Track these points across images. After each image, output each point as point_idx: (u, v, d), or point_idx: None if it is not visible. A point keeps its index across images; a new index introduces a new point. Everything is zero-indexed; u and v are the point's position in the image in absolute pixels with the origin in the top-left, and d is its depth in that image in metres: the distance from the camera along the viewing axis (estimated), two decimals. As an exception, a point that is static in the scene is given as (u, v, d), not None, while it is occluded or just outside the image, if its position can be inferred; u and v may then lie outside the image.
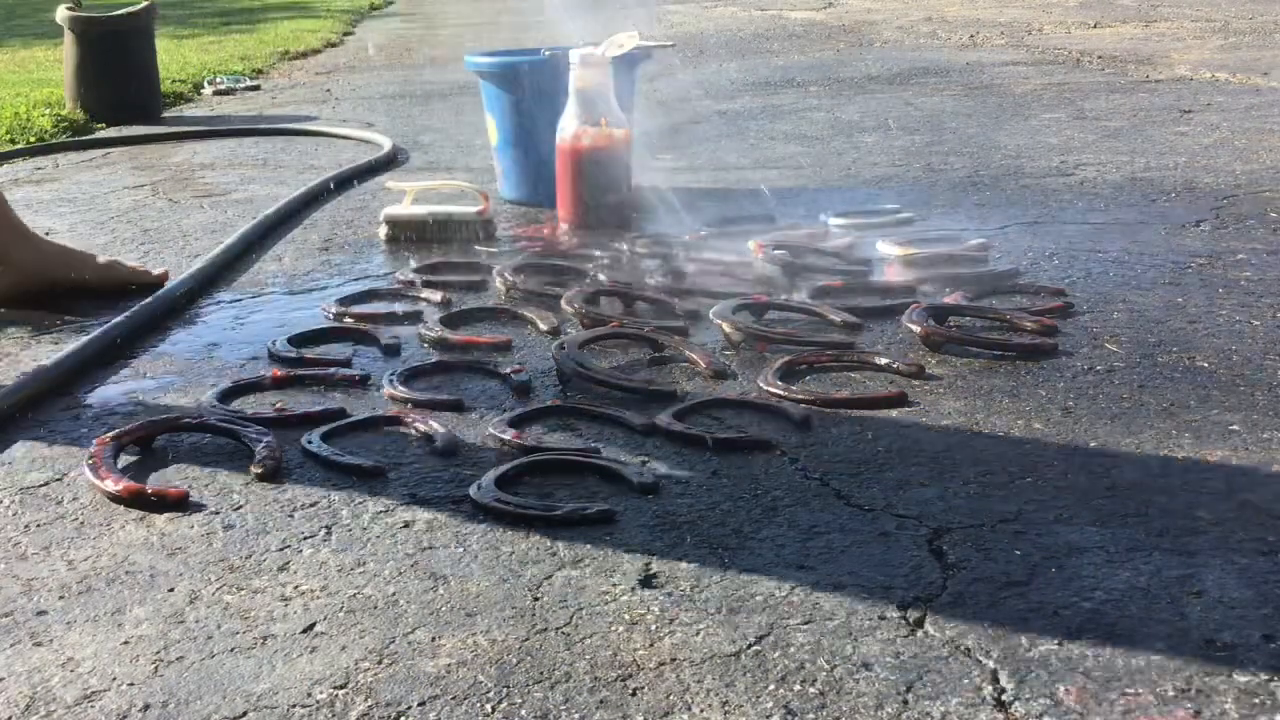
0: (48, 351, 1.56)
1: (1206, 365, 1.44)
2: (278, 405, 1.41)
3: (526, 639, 0.94)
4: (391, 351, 1.59)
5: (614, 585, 1.01)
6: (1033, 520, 1.09)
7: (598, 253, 1.99)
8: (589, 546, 1.08)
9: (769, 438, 1.28)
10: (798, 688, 0.86)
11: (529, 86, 2.32)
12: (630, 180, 2.22)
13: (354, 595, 1.01)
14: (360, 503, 1.18)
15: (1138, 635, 0.91)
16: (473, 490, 1.16)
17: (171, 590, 1.03)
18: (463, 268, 1.98)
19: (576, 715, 0.84)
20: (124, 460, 1.28)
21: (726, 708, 0.85)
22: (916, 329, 1.53)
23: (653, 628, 0.95)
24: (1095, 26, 5.18)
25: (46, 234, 2.28)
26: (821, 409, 1.35)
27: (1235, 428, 1.27)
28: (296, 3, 8.16)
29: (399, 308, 1.77)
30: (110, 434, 1.30)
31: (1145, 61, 4.08)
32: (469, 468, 1.24)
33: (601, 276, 1.84)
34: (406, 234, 2.16)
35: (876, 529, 1.09)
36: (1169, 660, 0.88)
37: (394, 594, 1.01)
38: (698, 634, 0.94)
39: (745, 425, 1.33)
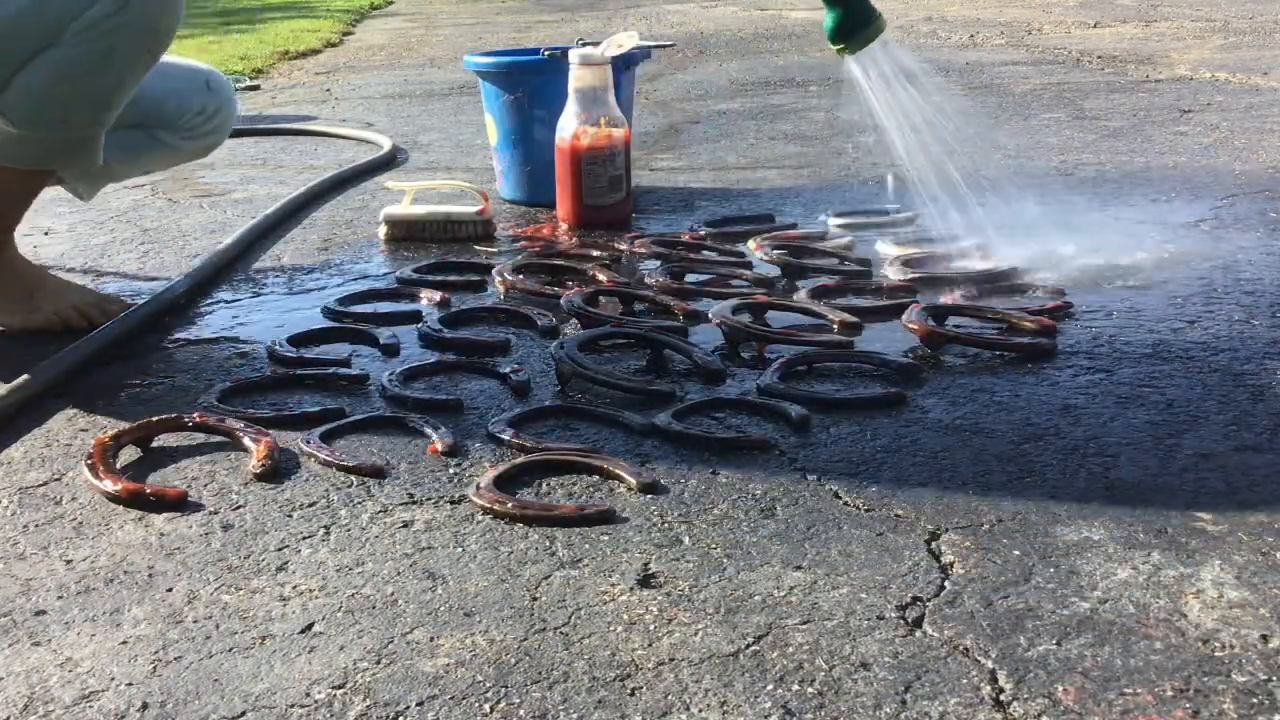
0: (47, 352, 1.56)
1: (1206, 366, 1.44)
2: (276, 405, 1.41)
3: (525, 639, 0.94)
4: (391, 351, 1.59)
5: (612, 585, 1.01)
6: (1031, 520, 1.09)
7: (596, 252, 1.99)
8: (587, 546, 1.08)
9: (768, 438, 1.28)
10: (796, 688, 0.86)
11: (528, 87, 2.32)
12: (629, 180, 2.22)
13: (352, 595, 1.01)
14: (359, 503, 1.18)
15: (1136, 635, 0.91)
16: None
17: (170, 590, 1.03)
18: (462, 268, 1.98)
19: (575, 715, 0.84)
20: (123, 460, 1.29)
21: (725, 708, 0.85)
22: (916, 329, 1.53)
23: (651, 628, 0.95)
24: (1095, 26, 5.18)
25: (46, 234, 2.28)
26: (820, 409, 1.35)
27: (1234, 427, 1.27)
28: (296, 3, 8.16)
29: (398, 307, 1.77)
30: (109, 434, 1.30)
31: (1145, 61, 4.08)
32: (467, 468, 1.24)
33: (600, 276, 1.84)
34: (406, 234, 2.16)
35: (875, 529, 1.09)
36: (1167, 660, 0.88)
37: (392, 594, 1.01)
38: (696, 634, 0.94)
39: (744, 425, 1.33)
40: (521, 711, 0.85)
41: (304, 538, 1.11)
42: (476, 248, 2.11)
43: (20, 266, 1.75)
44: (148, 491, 1.19)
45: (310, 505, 1.18)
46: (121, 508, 1.18)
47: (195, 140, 1.85)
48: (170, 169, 2.19)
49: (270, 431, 1.31)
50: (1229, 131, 2.85)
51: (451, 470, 1.24)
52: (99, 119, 1.59)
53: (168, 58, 1.92)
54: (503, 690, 0.87)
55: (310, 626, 0.97)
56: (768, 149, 2.92)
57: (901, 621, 0.94)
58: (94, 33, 1.49)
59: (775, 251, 1.91)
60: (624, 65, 2.31)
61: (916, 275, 1.79)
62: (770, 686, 0.87)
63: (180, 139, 1.82)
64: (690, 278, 1.85)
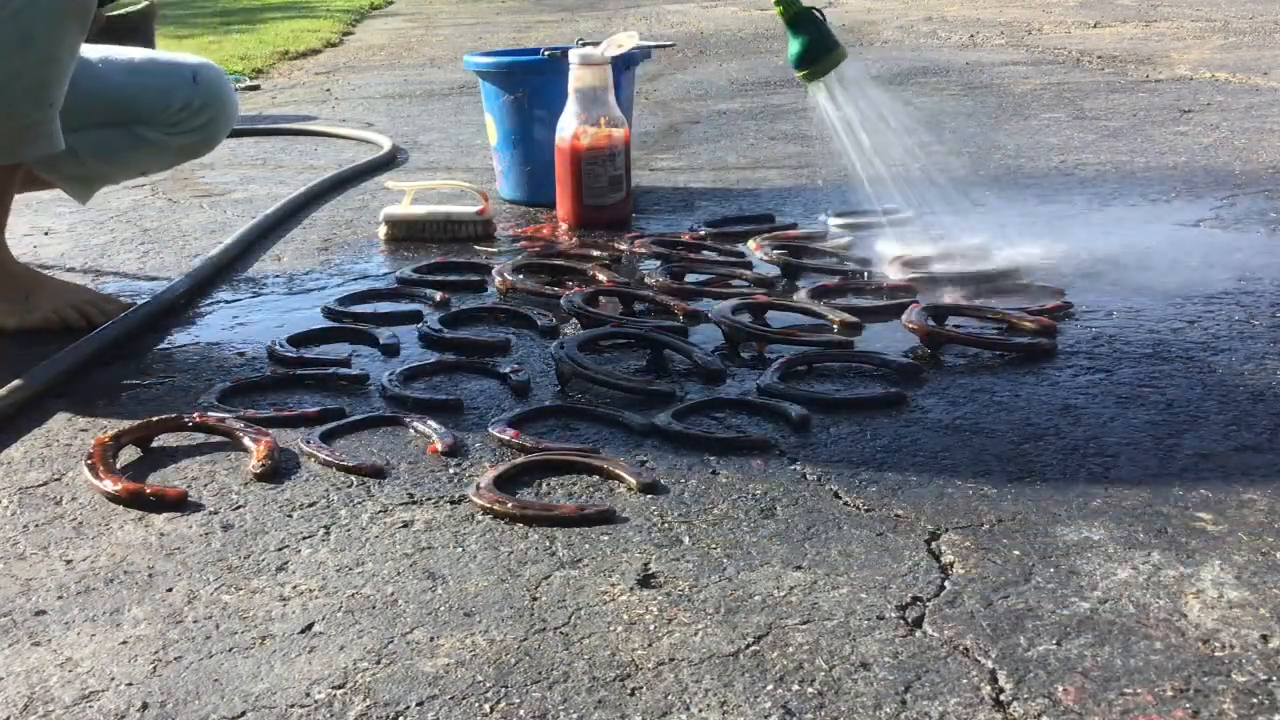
0: (46, 351, 1.56)
1: (1206, 366, 1.44)
2: (276, 405, 1.41)
3: (525, 639, 0.94)
4: (391, 351, 1.59)
5: (612, 585, 1.01)
6: (1031, 520, 1.09)
7: (596, 252, 1.99)
8: (587, 546, 1.08)
9: (768, 438, 1.28)
10: (796, 688, 0.86)
11: (528, 87, 2.32)
12: (629, 180, 2.22)
13: (352, 595, 1.01)
14: (359, 503, 1.18)
15: (1136, 635, 0.91)
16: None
17: (170, 590, 1.03)
18: (462, 268, 1.98)
19: (575, 715, 0.84)
20: (122, 460, 1.29)
21: (725, 708, 0.84)
22: (916, 329, 1.53)
23: (651, 628, 0.95)
24: (1095, 26, 5.18)
25: (46, 234, 2.29)
26: (820, 409, 1.35)
27: (1234, 427, 1.27)
28: (296, 3, 8.16)
29: (399, 308, 1.77)
30: (109, 434, 1.30)
31: (1145, 61, 4.08)
32: (467, 468, 1.24)
33: (600, 276, 1.84)
34: (406, 234, 2.16)
35: (875, 529, 1.09)
36: (1167, 660, 0.88)
37: (392, 594, 1.01)
38: (696, 634, 0.94)
39: (744, 425, 1.33)
40: (521, 711, 0.85)
41: (304, 538, 1.11)
42: (476, 248, 2.11)
43: (14, 268, 1.74)
44: (148, 491, 1.19)
45: (310, 505, 1.18)
46: (121, 508, 1.18)
47: (184, 136, 1.81)
48: (170, 169, 2.18)
49: (270, 431, 1.31)
50: (1229, 131, 2.85)
51: (451, 470, 1.24)
52: (41, 99, 1.54)
53: (152, 53, 1.91)
54: (503, 690, 0.87)
55: (310, 626, 0.97)
56: (768, 149, 2.92)
57: (901, 621, 0.94)
58: (5, 13, 1.47)
59: (775, 251, 1.91)
60: (624, 65, 2.31)
61: (916, 275, 1.79)
62: (770, 686, 0.87)
63: (165, 135, 1.80)
64: (690, 278, 1.85)
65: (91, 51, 1.78)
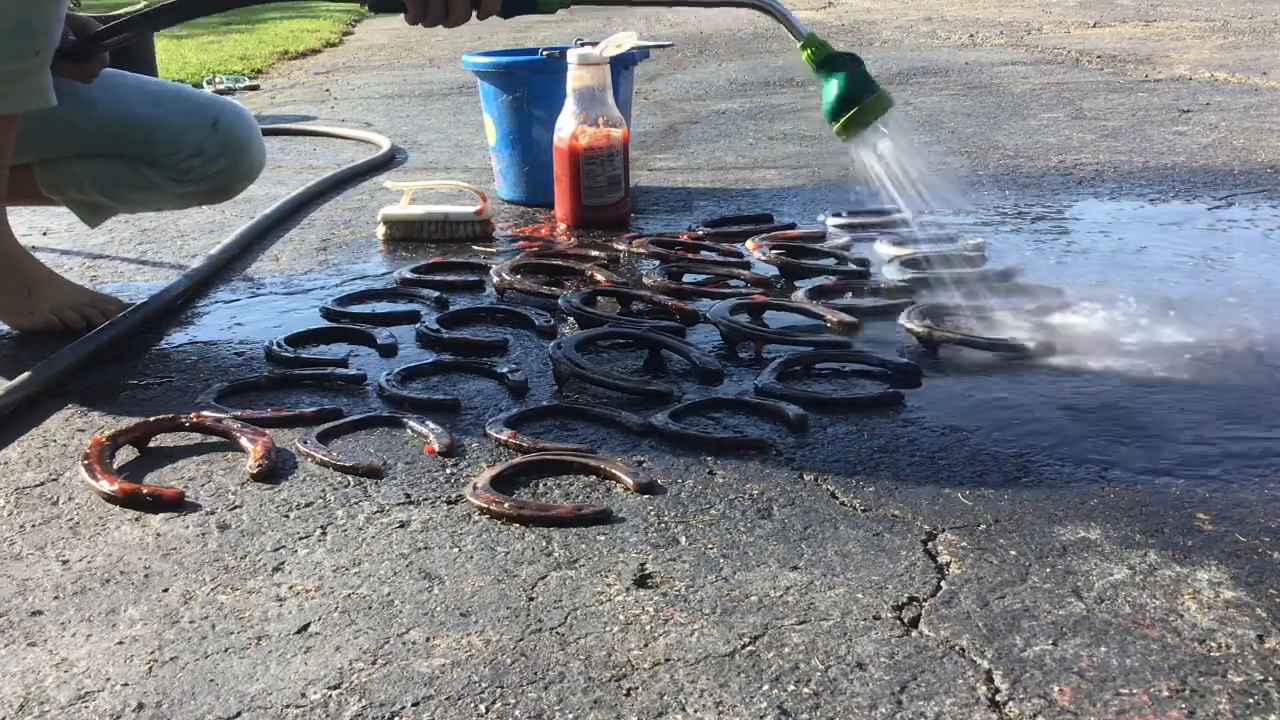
0: (45, 351, 1.56)
1: (1204, 365, 1.44)
2: (274, 405, 1.41)
3: (521, 639, 0.94)
4: (388, 351, 1.59)
5: (609, 585, 1.01)
6: (1028, 520, 1.09)
7: (595, 252, 1.99)
8: (584, 547, 1.08)
9: (765, 438, 1.28)
10: (792, 688, 0.86)
11: (527, 87, 2.32)
12: (628, 180, 2.22)
13: (349, 595, 1.01)
14: (355, 503, 1.18)
15: (1132, 635, 0.91)
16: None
17: (166, 590, 1.03)
18: (460, 268, 1.98)
19: (570, 715, 0.84)
20: (120, 460, 1.28)
21: (720, 708, 0.84)
22: (913, 329, 1.53)
23: (647, 628, 0.95)
24: (1095, 26, 5.18)
25: (45, 234, 2.28)
26: (818, 409, 1.35)
27: (1232, 427, 1.27)
28: (296, 3, 8.16)
29: (397, 308, 1.77)
30: (106, 434, 1.30)
31: (1144, 61, 4.08)
32: (464, 468, 1.24)
33: (598, 276, 1.84)
34: (404, 234, 2.16)
35: (872, 529, 1.09)
36: (1163, 660, 0.88)
37: (389, 594, 1.01)
38: (692, 634, 0.93)
39: (742, 425, 1.33)
40: (517, 712, 0.85)
41: (300, 538, 1.11)
42: (475, 248, 2.11)
43: (17, 256, 1.71)
44: (144, 492, 1.19)
45: (307, 505, 1.17)
46: (118, 508, 1.18)
47: (192, 185, 1.75)
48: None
49: (267, 431, 1.31)
50: (1228, 131, 2.85)
51: (449, 470, 1.24)
52: (24, 46, 1.44)
53: (183, 87, 1.87)
54: (499, 691, 0.87)
55: (306, 627, 0.96)
56: (766, 149, 2.92)
57: (898, 622, 0.94)
58: None
59: (773, 251, 1.91)
60: (622, 65, 2.31)
61: (915, 275, 1.79)
62: (766, 687, 0.87)
63: (169, 180, 1.74)
64: (688, 278, 1.85)
65: (121, 76, 1.75)
